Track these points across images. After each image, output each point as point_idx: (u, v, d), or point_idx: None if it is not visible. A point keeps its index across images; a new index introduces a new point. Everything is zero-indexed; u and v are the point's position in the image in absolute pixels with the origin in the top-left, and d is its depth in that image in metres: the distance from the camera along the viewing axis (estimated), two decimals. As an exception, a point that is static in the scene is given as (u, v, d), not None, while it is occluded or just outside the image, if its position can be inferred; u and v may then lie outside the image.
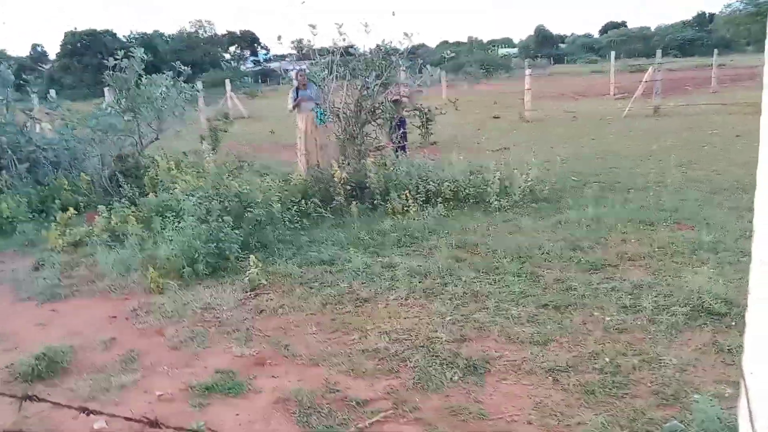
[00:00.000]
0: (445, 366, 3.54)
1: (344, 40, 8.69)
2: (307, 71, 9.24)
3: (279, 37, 9.01)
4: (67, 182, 8.61)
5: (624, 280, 4.66)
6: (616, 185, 7.99)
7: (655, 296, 4.26)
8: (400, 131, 9.19)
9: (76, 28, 60.62)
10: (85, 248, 6.34)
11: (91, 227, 6.56)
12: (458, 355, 3.65)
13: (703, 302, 4.02)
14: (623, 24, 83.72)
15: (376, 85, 8.27)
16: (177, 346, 4.06)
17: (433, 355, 3.67)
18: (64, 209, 7.35)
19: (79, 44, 58.95)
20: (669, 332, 3.76)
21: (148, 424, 1.58)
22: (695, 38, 64.94)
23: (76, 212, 7.20)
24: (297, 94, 8.92)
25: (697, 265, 4.82)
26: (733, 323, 3.80)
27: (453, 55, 9.29)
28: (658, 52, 18.16)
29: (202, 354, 3.93)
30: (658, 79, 16.88)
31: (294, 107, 9.08)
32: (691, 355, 3.48)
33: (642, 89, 17.34)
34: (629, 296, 4.32)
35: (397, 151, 8.83)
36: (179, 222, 5.82)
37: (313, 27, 8.74)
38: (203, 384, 3.47)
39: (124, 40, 63.18)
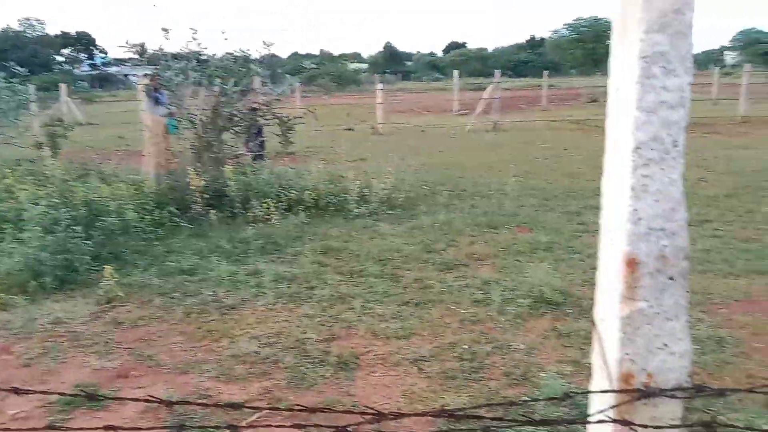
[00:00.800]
0: (316, 364, 3.66)
1: (199, 45, 8.54)
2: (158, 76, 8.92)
3: (132, 43, 8.58)
4: None
5: (475, 277, 5.08)
6: (463, 193, 8.60)
7: (502, 290, 4.70)
8: (258, 140, 9.17)
9: None
10: None
11: None
12: (329, 353, 3.79)
13: (543, 294, 4.51)
14: (464, 44, 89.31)
15: (235, 92, 8.20)
16: (28, 363, 3.77)
17: (304, 355, 3.77)
18: None
19: None
20: (515, 321, 4.19)
21: None
22: (528, 60, 70.95)
23: None
24: (156, 99, 8.57)
25: (537, 262, 5.38)
26: (569, 311, 4.32)
27: (315, 66, 9.45)
28: (497, 72, 19.70)
29: (57, 369, 3.69)
30: (497, 97, 18.32)
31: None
32: (536, 340, 3.92)
33: (482, 106, 18.71)
34: (480, 291, 4.74)
35: (255, 159, 8.81)
36: (20, 233, 5.39)
37: (166, 31, 8.48)
38: (62, 399, 3.28)
39: (-65, 35, 56.19)
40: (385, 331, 4.08)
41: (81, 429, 1.29)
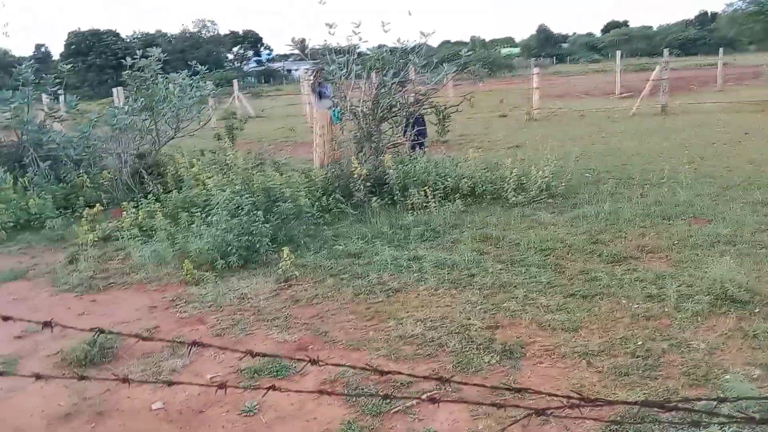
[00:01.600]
0: (481, 350, 3.70)
1: (360, 39, 8.87)
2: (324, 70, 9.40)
3: (295, 40, 9.14)
4: (89, 179, 8.78)
5: (647, 270, 4.81)
6: (630, 181, 8.13)
7: (678, 286, 4.41)
8: (416, 129, 9.36)
9: (79, 29, 60.88)
10: (115, 242, 6.51)
11: (119, 222, 6.73)
12: (493, 340, 3.82)
13: (726, 291, 4.16)
14: (625, 23, 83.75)
15: (393, 83, 8.43)
16: (220, 333, 4.22)
17: (469, 341, 3.83)
18: (89, 206, 7.53)
19: (83, 44, 59.15)
20: (695, 319, 3.92)
21: (218, 387, 1.71)
22: (698, 37, 64.97)
23: (103, 208, 7.37)
24: (320, 92, 9.07)
25: (717, 256, 4.97)
26: (757, 310, 3.95)
27: (470, 54, 9.38)
28: (665, 52, 18.33)
29: (244, 340, 4.09)
30: (665, 78, 17.01)
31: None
32: (718, 339, 3.64)
33: (649, 88, 17.48)
34: (653, 286, 4.48)
35: (414, 148, 9.00)
36: (207, 216, 6.00)
37: (330, 26, 8.91)
38: (251, 368, 3.63)
39: (128, 40, 63.52)
40: (551, 322, 4.02)
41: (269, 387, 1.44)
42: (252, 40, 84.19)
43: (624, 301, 4.27)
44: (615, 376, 3.32)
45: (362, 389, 3.36)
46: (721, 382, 3.15)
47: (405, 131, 9.18)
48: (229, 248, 5.48)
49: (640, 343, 3.64)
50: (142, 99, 9.46)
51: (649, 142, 11.67)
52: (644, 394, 3.11)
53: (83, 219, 6.85)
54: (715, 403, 2.59)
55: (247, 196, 6.03)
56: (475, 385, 1.54)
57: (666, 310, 4.07)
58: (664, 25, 79.21)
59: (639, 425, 2.88)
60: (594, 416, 2.50)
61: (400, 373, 1.27)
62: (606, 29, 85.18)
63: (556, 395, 1.24)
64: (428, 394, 3.21)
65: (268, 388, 1.49)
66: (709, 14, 72.84)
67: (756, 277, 4.47)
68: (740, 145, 10.63)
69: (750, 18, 43.78)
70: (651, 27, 78.16)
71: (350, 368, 1.53)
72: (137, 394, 3.48)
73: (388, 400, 3.23)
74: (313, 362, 1.39)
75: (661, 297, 4.27)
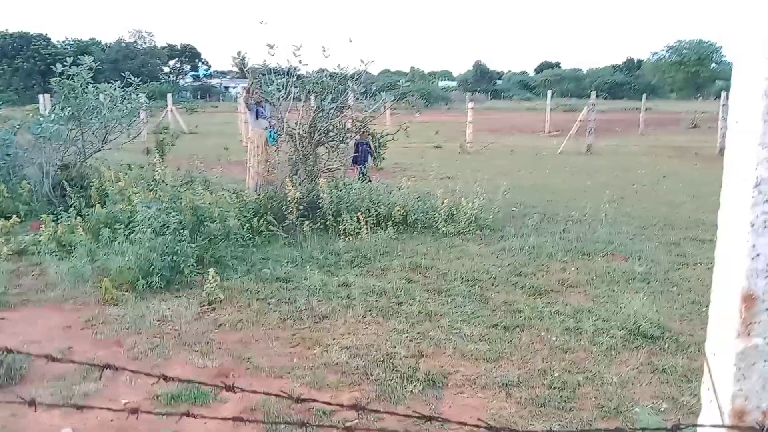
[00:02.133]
0: (405, 379, 3.72)
1: (300, 62, 8.90)
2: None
3: (237, 56, 9.05)
4: (6, 189, 8.33)
5: (566, 304, 5.00)
6: (554, 217, 8.45)
7: (595, 320, 4.60)
8: (362, 148, 9.61)
9: (7, 30, 58.18)
10: (31, 257, 6.19)
11: (36, 235, 6.40)
12: (417, 369, 3.85)
13: (639, 326, 4.37)
14: (557, 64, 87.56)
15: (332, 108, 8.48)
16: (137, 356, 4.07)
17: (393, 369, 3.85)
18: (5, 217, 7.14)
19: (10, 47, 56.51)
20: (609, 353, 4.09)
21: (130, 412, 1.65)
22: (624, 82, 68.59)
23: (20, 220, 7.01)
24: (257, 111, 8.99)
25: (632, 292, 5.22)
26: (666, 345, 4.17)
27: (408, 84, 9.62)
28: (593, 94, 19.24)
29: (163, 365, 3.95)
30: (592, 119, 17.86)
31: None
32: (630, 373, 3.81)
33: (576, 128, 18.30)
34: (572, 319, 4.65)
35: (362, 174, 9.20)
36: (131, 234, 5.80)
37: (271, 47, 8.90)
38: (168, 393, 3.52)
39: (59, 45, 61.17)
40: (474, 352, 4.10)
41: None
42: (190, 55, 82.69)
43: (543, 334, 4.41)
44: (532, 407, 3.41)
45: (284, 418, 3.31)
46: (631, 414, 3.29)
47: (355, 159, 9.42)
48: (152, 268, 5.31)
49: (557, 375, 3.76)
50: (70, 108, 9.11)
51: (573, 179, 12.19)
52: (559, 424, 3.21)
53: (-4, 230, 6.49)
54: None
55: (173, 214, 5.89)
56: (393, 414, 1.56)
57: (582, 343, 4.23)
58: (593, 69, 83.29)
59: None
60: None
61: (315, 401, 1.27)
62: (539, 69, 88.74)
63: (467, 424, 1.28)
64: (349, 423, 3.20)
65: (183, 414, 1.45)
66: (635, 61, 77.15)
67: (667, 314, 4.73)
68: (658, 187, 11.27)
69: (672, 67, 46.75)
70: (581, 69, 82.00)
71: (269, 395, 1.51)
72: (45, 419, 3.30)
73: (305, 429, 3.20)
74: (229, 388, 1.37)
75: (578, 330, 4.44)
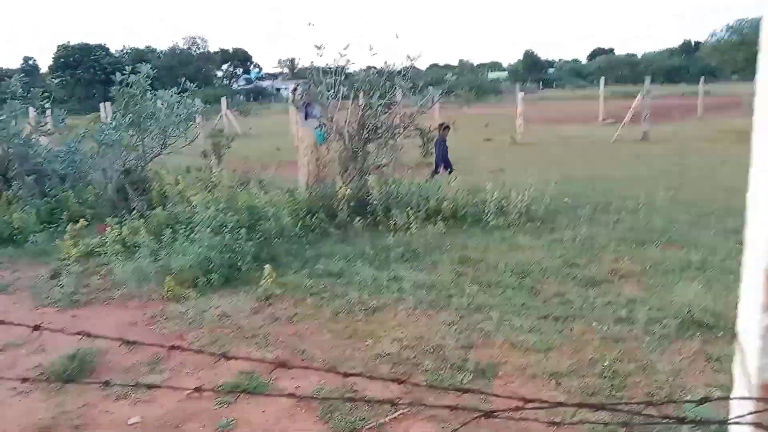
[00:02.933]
0: (455, 370, 3.79)
1: (348, 61, 9.04)
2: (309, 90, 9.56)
3: (283, 60, 9.29)
4: (74, 194, 8.81)
5: (619, 294, 4.95)
6: (608, 207, 8.31)
7: (648, 309, 4.55)
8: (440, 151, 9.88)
9: (69, 42, 60.86)
10: (98, 258, 6.54)
11: (103, 238, 6.76)
12: (467, 360, 3.91)
13: (693, 315, 4.31)
14: (611, 51, 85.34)
15: (380, 105, 8.59)
16: (200, 350, 4.28)
17: (443, 360, 3.93)
18: (73, 221, 7.56)
19: (71, 58, 59.12)
20: (661, 342, 4.05)
21: (194, 390, 1.77)
22: (681, 66, 66.34)
23: (87, 223, 7.41)
24: (306, 111, 9.19)
25: (687, 281, 5.13)
26: (721, 334, 4.09)
27: (455, 77, 9.66)
28: (647, 80, 18.71)
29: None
30: (647, 106, 17.39)
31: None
32: (683, 362, 3.77)
33: (631, 115, 17.85)
34: (624, 309, 4.61)
35: (437, 172, 9.44)
36: (191, 234, 6.07)
37: (318, 48, 9.07)
38: (229, 384, 3.70)
39: (117, 55, 63.60)
40: (523, 343, 4.13)
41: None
42: (241, 58, 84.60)
43: (595, 324, 4.39)
44: (582, 396, 3.43)
45: (337, 407, 3.43)
46: (682, 403, 3.26)
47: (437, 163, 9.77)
48: (212, 266, 5.55)
49: (607, 364, 3.75)
50: (130, 115, 9.53)
51: (628, 168, 11.93)
52: (609, 414, 3.22)
53: (67, 234, 6.88)
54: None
55: (231, 214, 6.12)
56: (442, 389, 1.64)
57: (634, 333, 4.20)
58: (648, 53, 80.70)
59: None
60: (546, 419, 2.60)
61: (362, 374, 1.37)
62: (592, 56, 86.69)
63: (500, 396, 1.35)
64: (398, 412, 3.30)
65: (242, 391, 1.58)
66: (693, 43, 74.40)
67: (723, 302, 4.62)
68: (717, 173, 10.91)
69: (733, 48, 44.79)
70: (635, 55, 79.66)
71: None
72: (115, 408, 3.53)
73: (361, 419, 3.31)
74: (282, 365, 1.48)
75: (630, 320, 4.40)
